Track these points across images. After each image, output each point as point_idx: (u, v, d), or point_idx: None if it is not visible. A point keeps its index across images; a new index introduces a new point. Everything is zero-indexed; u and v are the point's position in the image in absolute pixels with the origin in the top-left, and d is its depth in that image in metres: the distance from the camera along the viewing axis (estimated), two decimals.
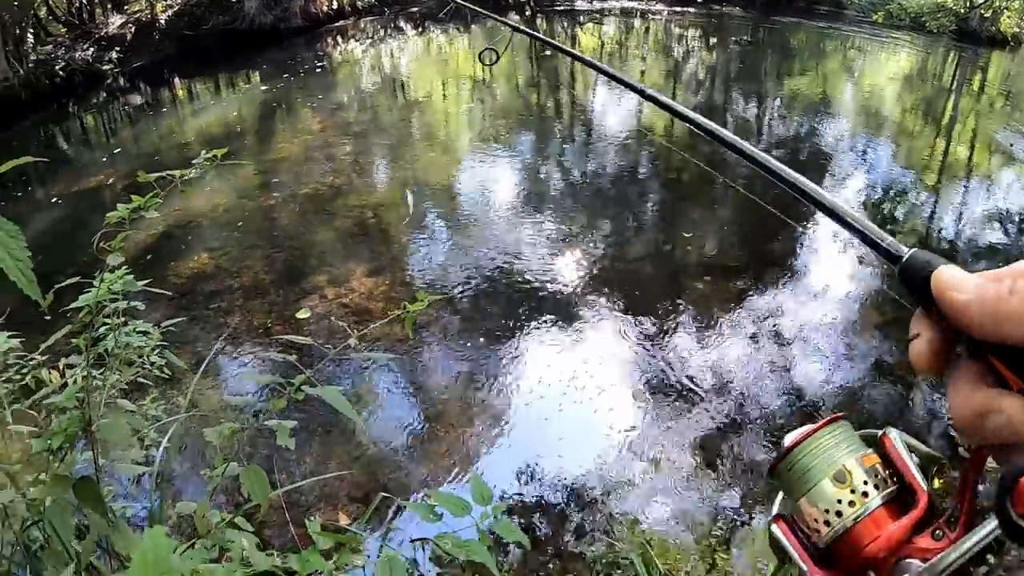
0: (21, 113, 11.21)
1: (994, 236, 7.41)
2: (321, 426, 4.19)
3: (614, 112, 11.57)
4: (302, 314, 5.37)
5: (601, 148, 9.37)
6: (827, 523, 0.57)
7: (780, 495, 0.63)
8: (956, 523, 0.52)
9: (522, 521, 3.65)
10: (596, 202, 7.57)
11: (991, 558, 0.53)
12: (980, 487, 0.51)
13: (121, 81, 13.23)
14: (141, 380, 2.77)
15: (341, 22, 17.51)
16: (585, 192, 7.91)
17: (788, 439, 0.61)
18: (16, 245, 1.15)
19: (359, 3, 17.82)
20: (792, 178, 0.69)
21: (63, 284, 2.05)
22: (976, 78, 19.11)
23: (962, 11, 19.78)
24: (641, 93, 1.12)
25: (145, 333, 2.57)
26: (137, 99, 12.63)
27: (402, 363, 4.86)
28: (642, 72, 14.09)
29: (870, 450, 0.59)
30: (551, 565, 3.39)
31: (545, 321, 5.24)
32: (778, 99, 13.58)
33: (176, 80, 13.52)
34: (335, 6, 17.34)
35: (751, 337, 5.15)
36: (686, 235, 6.64)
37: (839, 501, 0.56)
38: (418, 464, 4.02)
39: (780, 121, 12.11)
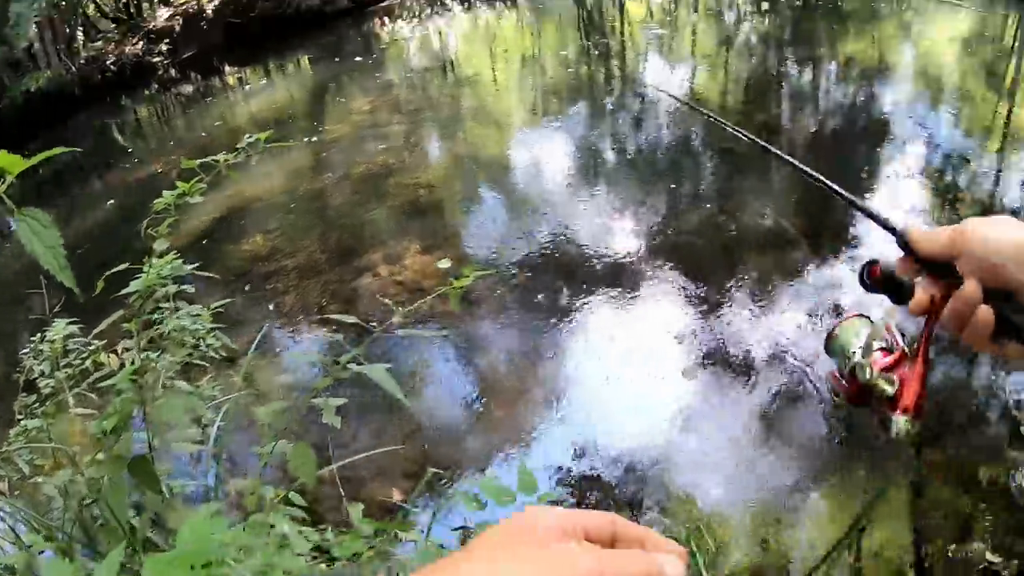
0: (76, 108, 11.48)
1: None
2: (380, 400, 4.17)
3: (666, 83, 11.42)
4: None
5: (652, 119, 9.21)
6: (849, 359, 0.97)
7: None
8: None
9: (573, 497, 3.65)
10: (647, 173, 7.45)
11: None
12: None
13: (172, 72, 13.45)
14: (198, 362, 2.81)
15: (387, 2, 17.45)
16: (636, 163, 7.80)
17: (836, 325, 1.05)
18: (48, 234, 1.22)
19: None
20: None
21: (113, 271, 2.11)
22: None
23: None
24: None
25: (196, 316, 2.61)
26: (188, 89, 12.83)
27: (459, 338, 4.86)
28: (693, 41, 13.89)
29: (875, 330, 0.98)
30: None
31: (598, 293, 5.19)
32: (833, 64, 13.28)
33: (225, 68, 13.70)
34: None
35: (807, 312, 5.00)
36: (740, 206, 6.51)
37: (854, 353, 0.97)
38: (472, 439, 4.05)
39: (837, 87, 11.85)
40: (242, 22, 14.81)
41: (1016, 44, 17.57)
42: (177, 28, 14.22)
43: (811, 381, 4.28)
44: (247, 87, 12.56)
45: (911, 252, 0.86)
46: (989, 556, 3.10)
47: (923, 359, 0.90)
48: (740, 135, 1.34)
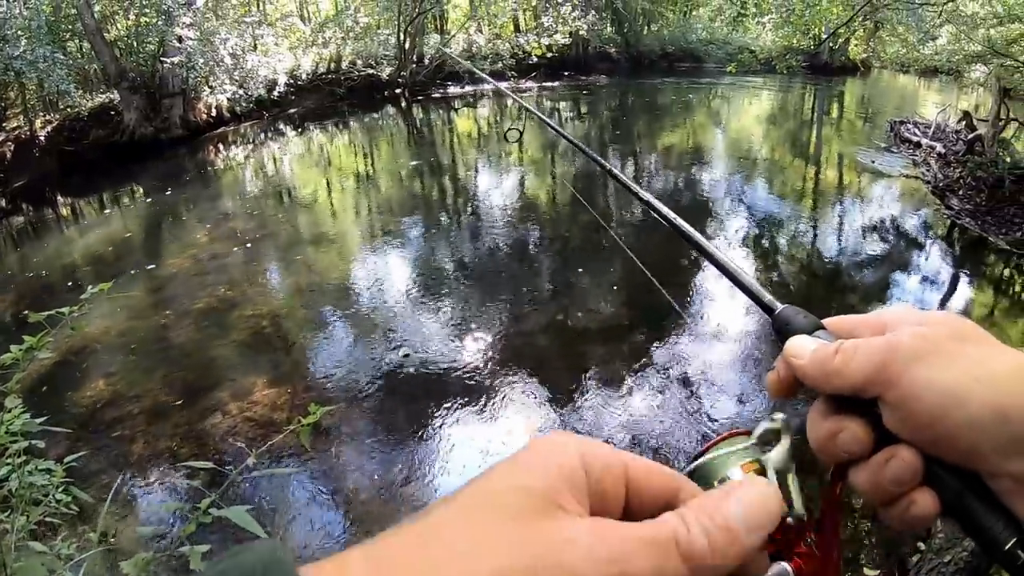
0: None
1: (869, 248, 8.54)
2: (246, 540, 4.07)
3: (496, 191, 12.04)
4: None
5: (487, 228, 9.79)
6: None
7: None
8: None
9: None
10: (488, 282, 7.89)
11: None
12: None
13: (2, 202, 12.92)
14: (50, 519, 2.74)
15: (222, 129, 17.66)
16: (477, 273, 8.23)
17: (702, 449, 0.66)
18: None
19: (237, 109, 18.04)
20: (696, 238, 0.78)
21: None
22: (834, 106, 20.53)
23: (811, 48, 21.32)
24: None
25: (48, 471, 2.57)
26: (20, 220, 12.31)
27: (318, 468, 4.87)
28: (520, 148, 14.62)
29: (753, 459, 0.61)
30: None
31: (455, 405, 5.43)
32: (654, 155, 14.34)
33: (59, 198, 13.26)
34: (214, 114, 17.51)
35: (656, 387, 5.53)
36: (578, 301, 7.08)
37: None
38: None
39: (659, 176, 12.80)
40: (76, 150, 14.66)
41: (814, 114, 19.51)
42: (8, 155, 13.89)
43: (672, 454, 4.74)
44: (83, 219, 12.24)
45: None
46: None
47: (831, 529, 0.60)
48: None
